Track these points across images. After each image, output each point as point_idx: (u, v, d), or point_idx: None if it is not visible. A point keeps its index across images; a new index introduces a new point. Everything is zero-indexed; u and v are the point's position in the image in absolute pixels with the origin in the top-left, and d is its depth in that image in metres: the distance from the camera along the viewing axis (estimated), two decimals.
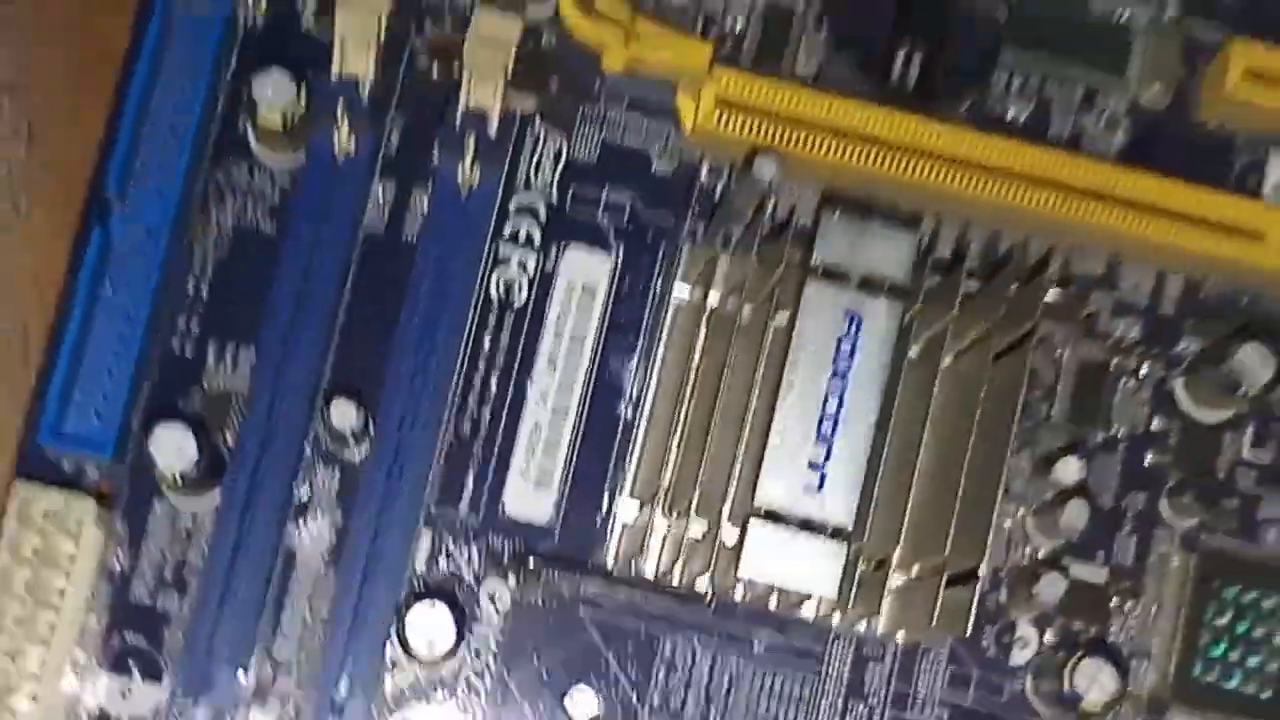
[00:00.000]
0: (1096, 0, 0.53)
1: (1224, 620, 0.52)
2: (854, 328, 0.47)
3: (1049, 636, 0.51)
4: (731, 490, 0.47)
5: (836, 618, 0.49)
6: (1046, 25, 0.54)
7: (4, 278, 0.55)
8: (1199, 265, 0.52)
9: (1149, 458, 0.52)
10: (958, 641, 0.51)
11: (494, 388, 0.52)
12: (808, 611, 0.50)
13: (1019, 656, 0.50)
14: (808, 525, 0.47)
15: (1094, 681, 0.49)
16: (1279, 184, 0.54)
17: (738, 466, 0.47)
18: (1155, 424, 0.52)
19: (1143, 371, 0.52)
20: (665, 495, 0.48)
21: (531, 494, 0.51)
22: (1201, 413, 0.52)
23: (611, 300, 0.52)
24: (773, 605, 0.50)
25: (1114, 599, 0.51)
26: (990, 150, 0.51)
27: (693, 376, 0.49)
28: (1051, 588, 0.50)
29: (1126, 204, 0.51)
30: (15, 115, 0.55)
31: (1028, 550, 0.52)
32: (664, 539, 0.49)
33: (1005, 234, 0.53)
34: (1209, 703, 0.51)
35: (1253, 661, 0.51)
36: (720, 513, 0.46)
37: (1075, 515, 0.50)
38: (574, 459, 0.51)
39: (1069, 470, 0.51)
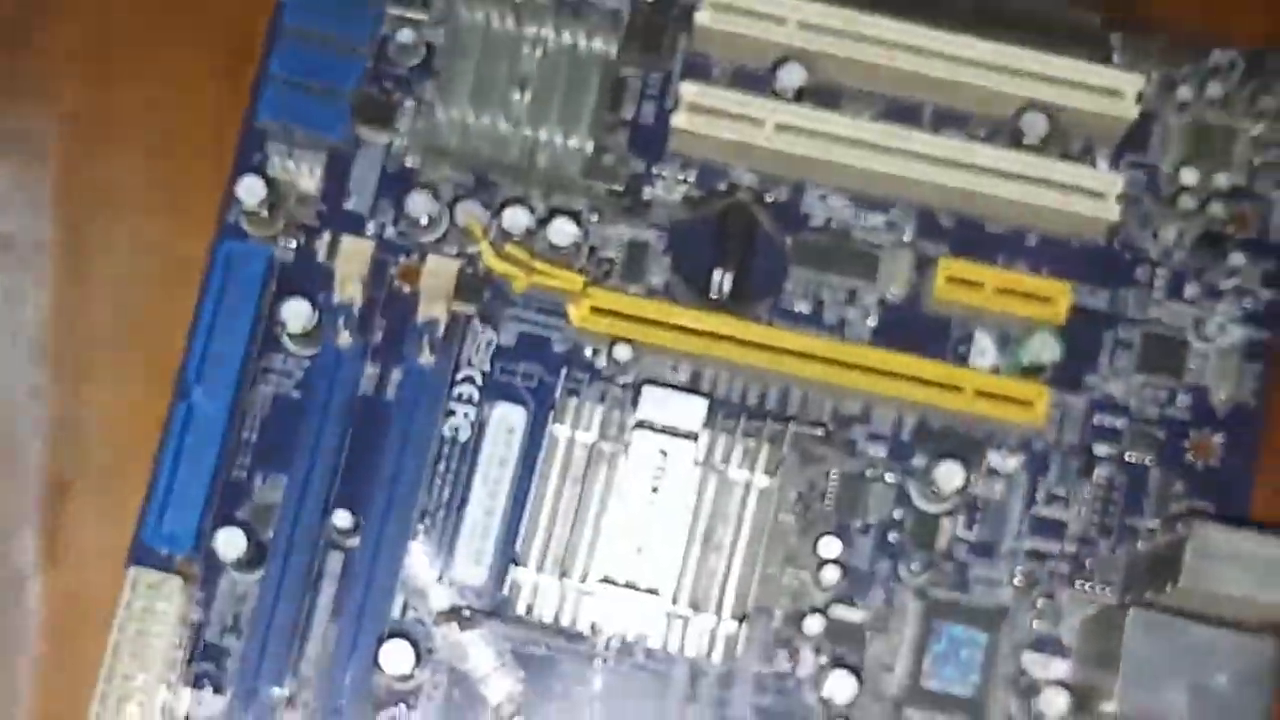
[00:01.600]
0: (856, 231, 0.68)
1: (941, 646, 0.66)
2: (665, 457, 0.64)
3: (821, 658, 0.65)
4: (581, 561, 0.64)
5: (656, 643, 0.63)
6: (819, 250, 0.68)
7: (104, 413, 0.69)
8: (924, 409, 0.67)
9: (891, 535, 0.66)
10: (761, 660, 0.65)
11: (446, 495, 0.66)
12: (636, 639, 0.64)
13: (801, 671, 0.65)
14: (631, 585, 0.64)
15: (840, 687, 0.63)
16: (981, 351, 0.67)
17: (584, 545, 0.63)
18: (896, 514, 0.66)
19: (888, 479, 0.67)
20: (545, 564, 0.64)
21: (471, 567, 0.65)
22: (927, 506, 0.66)
23: (525, 438, 0.66)
24: (616, 638, 0.64)
25: (867, 632, 0.66)
26: (780, 338, 0.66)
27: (560, 487, 0.64)
28: (817, 624, 0.65)
29: (876, 370, 0.66)
30: (120, 310, 0.71)
31: (808, 600, 0.66)
32: (547, 593, 0.64)
33: (793, 391, 0.67)
34: (931, 700, 0.65)
35: (957, 673, 0.65)
36: (577, 577, 0.63)
37: (830, 577, 0.65)
38: (497, 543, 0.65)
39: (831, 547, 0.65)
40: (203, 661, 0.65)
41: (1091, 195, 0.67)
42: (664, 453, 0.64)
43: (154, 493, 0.65)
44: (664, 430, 0.64)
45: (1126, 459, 0.68)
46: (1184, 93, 0.70)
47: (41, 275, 0.71)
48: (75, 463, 0.69)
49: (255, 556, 0.65)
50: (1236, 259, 0.68)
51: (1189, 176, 0.69)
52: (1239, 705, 0.62)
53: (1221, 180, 0.69)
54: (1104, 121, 0.68)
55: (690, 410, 0.64)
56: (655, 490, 0.64)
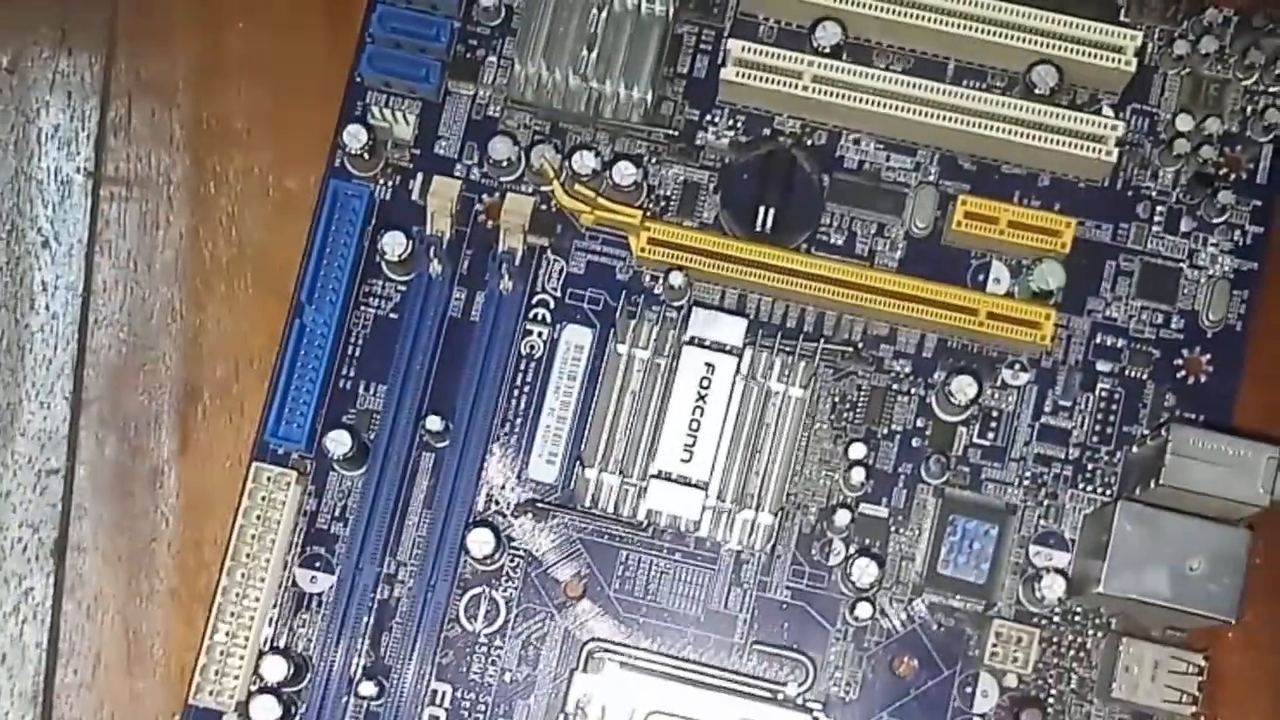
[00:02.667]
0: (885, 172, 0.76)
1: (956, 538, 0.74)
2: (711, 370, 0.72)
3: (851, 548, 0.74)
4: (638, 461, 0.72)
5: (704, 532, 0.72)
6: (853, 188, 0.76)
7: (227, 329, 0.78)
8: (944, 329, 0.74)
9: (913, 441, 0.75)
10: (797, 549, 0.74)
11: (523, 405, 0.74)
12: (688, 528, 0.72)
13: (832, 560, 0.73)
14: (682, 480, 0.72)
15: (864, 572, 0.72)
16: (996, 278, 0.75)
17: (641, 446, 0.72)
18: (918, 423, 0.75)
19: (911, 391, 0.75)
20: (607, 464, 0.72)
21: (544, 466, 0.74)
22: (945, 415, 0.75)
23: (591, 355, 0.75)
24: (669, 527, 0.73)
25: (891, 526, 0.74)
26: (817, 266, 0.74)
27: (620, 397, 0.72)
28: (845, 518, 0.73)
29: (901, 295, 0.74)
30: (240, 239, 0.79)
31: (838, 496, 0.74)
32: (609, 488, 0.72)
33: (827, 314, 0.75)
34: (946, 584, 0.73)
35: (969, 562, 0.74)
36: (635, 474, 0.72)
37: (858, 477, 0.73)
38: (566, 446, 0.74)
39: (859, 451, 0.73)
40: (315, 545, 0.75)
41: (1094, 140, 0.75)
42: (710, 365, 0.73)
43: (273, 399, 0.74)
44: (710, 346, 0.73)
45: (1125, 374, 0.76)
46: (1181, 47, 0.77)
47: (172, 207, 0.80)
48: (204, 372, 0.79)
49: (359, 455, 0.74)
50: (1226, 197, 0.76)
51: (1184, 123, 0.77)
52: (1212, 587, 0.70)
53: (1214, 126, 0.77)
54: (1107, 74, 0.76)
55: (733, 328, 0.73)
56: (702, 399, 0.73)
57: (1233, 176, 0.77)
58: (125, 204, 0.80)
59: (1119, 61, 0.75)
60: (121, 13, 0.81)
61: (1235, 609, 0.69)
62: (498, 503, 0.75)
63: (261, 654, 0.73)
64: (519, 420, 0.76)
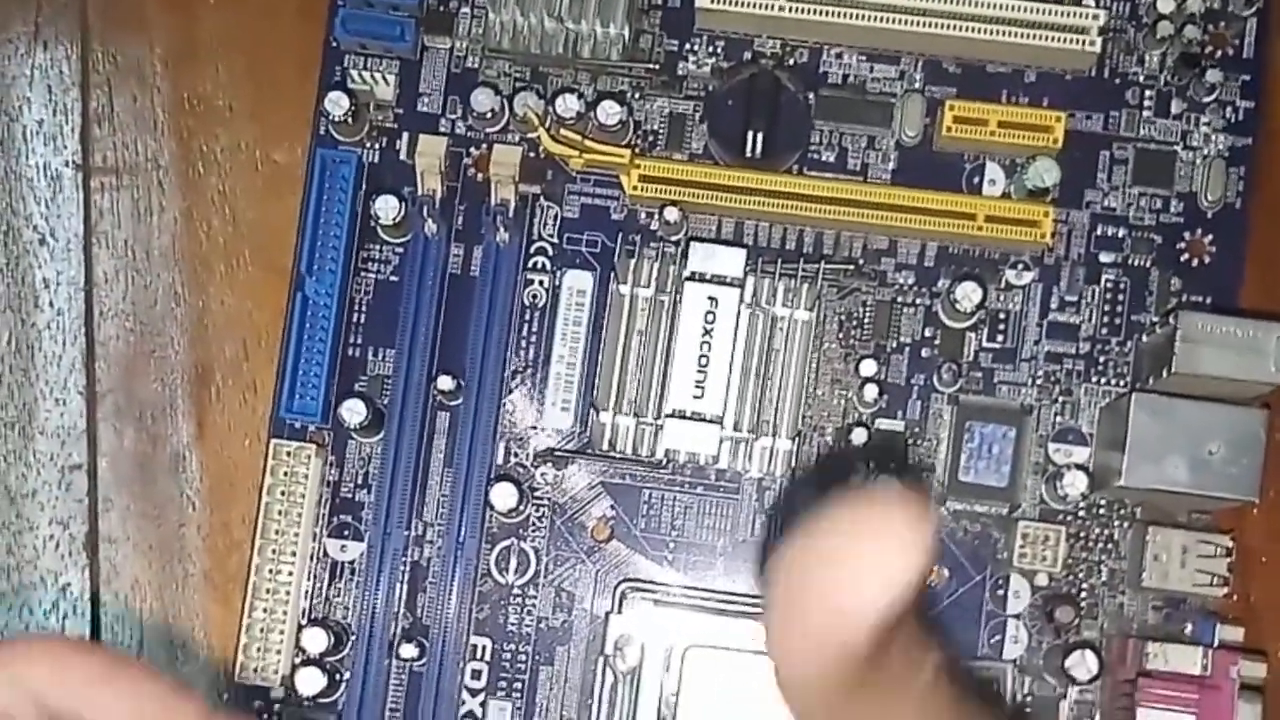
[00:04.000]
0: (870, 84, 0.76)
1: (974, 444, 0.74)
2: (714, 303, 0.72)
3: (871, 464, 0.74)
4: (651, 401, 0.73)
5: (724, 464, 0.73)
6: (839, 103, 0.76)
7: (231, 309, 0.78)
8: (944, 236, 0.74)
9: (923, 351, 0.75)
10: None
11: (532, 355, 0.75)
12: (707, 462, 0.73)
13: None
14: (697, 416, 0.73)
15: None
16: (991, 180, 0.75)
17: (653, 386, 0.73)
18: (926, 332, 0.74)
19: (916, 302, 0.75)
20: (621, 406, 0.73)
21: (558, 414, 0.75)
22: (952, 322, 0.75)
23: (594, 298, 0.75)
24: (689, 463, 0.74)
25: (908, 440, 0.75)
26: (811, 186, 0.74)
27: (627, 338, 0.73)
28: (863, 436, 0.74)
29: (898, 207, 0.74)
30: (234, 217, 0.80)
31: (853, 415, 0.75)
32: (626, 430, 0.73)
33: (825, 233, 0.75)
34: (969, 491, 0.74)
35: (990, 466, 0.74)
36: (650, 414, 0.73)
37: (871, 394, 0.74)
38: (579, 391, 0.74)
39: (870, 367, 0.74)
40: (341, 515, 0.75)
41: (1076, 31, 0.74)
42: (713, 299, 0.73)
43: (284, 374, 0.75)
44: (711, 280, 0.73)
45: (1129, 263, 0.76)
46: None
47: (164, 192, 0.81)
48: (213, 353, 0.79)
49: (375, 421, 0.75)
50: (1214, 75, 0.76)
51: (1165, 4, 0.76)
52: (1232, 470, 0.70)
53: (1196, 5, 0.76)
54: None
55: (732, 260, 0.73)
56: (709, 333, 0.73)
57: (1219, 54, 0.77)
58: (117, 193, 0.80)
59: None
60: (91, 3, 0.81)
61: (1257, 488, 0.70)
62: (517, 455, 0.76)
63: (301, 627, 0.74)
64: (530, 371, 0.76)
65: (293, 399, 0.75)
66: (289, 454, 0.75)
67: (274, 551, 0.74)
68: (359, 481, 0.76)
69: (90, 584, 0.78)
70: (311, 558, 0.75)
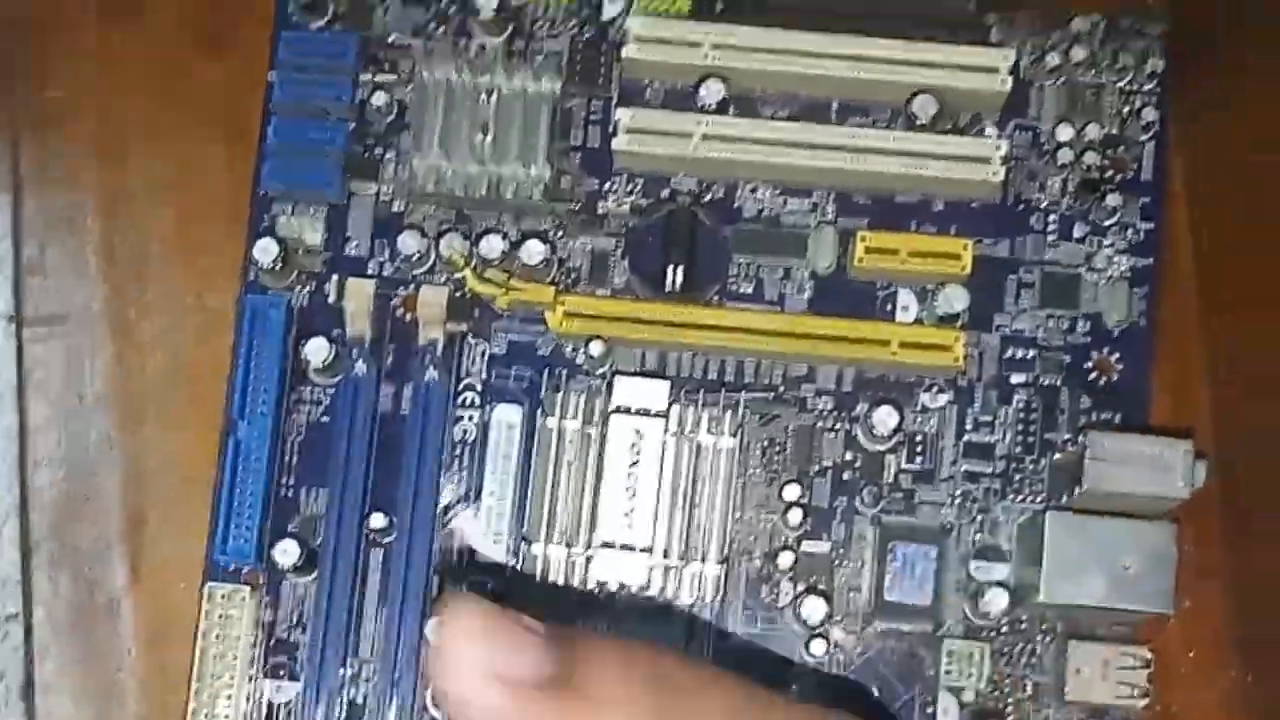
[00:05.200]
0: (785, 217, 0.78)
1: (898, 564, 0.75)
2: (640, 436, 0.74)
3: (799, 586, 0.75)
4: (582, 532, 0.74)
5: (655, 591, 0.73)
6: (755, 237, 0.78)
7: (165, 453, 0.79)
8: (860, 362, 0.76)
9: (845, 475, 0.76)
10: (747, 594, 0.76)
11: (463, 490, 0.76)
12: (638, 590, 0.73)
13: (782, 599, 0.75)
14: (627, 546, 0.74)
15: (813, 610, 0.74)
16: (904, 306, 0.77)
17: (584, 517, 0.74)
18: (847, 455, 0.76)
19: (836, 426, 0.77)
20: (552, 537, 0.74)
21: (491, 547, 0.76)
22: (872, 445, 0.76)
23: (524, 432, 0.77)
24: (621, 592, 0.74)
25: (834, 560, 0.76)
26: (730, 317, 0.76)
27: (556, 470, 0.74)
28: (789, 559, 0.75)
29: (814, 335, 0.75)
30: (167, 362, 0.82)
31: (780, 538, 0.76)
32: (559, 562, 0.74)
33: (746, 362, 0.77)
34: (895, 611, 0.75)
35: (914, 585, 0.75)
36: (581, 545, 0.74)
37: (796, 517, 0.75)
38: (510, 524, 0.76)
39: (794, 492, 0.76)
40: (277, 655, 0.76)
41: (980, 161, 0.77)
42: (639, 432, 0.75)
43: (217, 517, 0.76)
44: (636, 412, 0.75)
45: (1039, 383, 0.78)
46: (1053, 59, 0.80)
47: (97, 339, 0.82)
48: (147, 497, 0.80)
49: (309, 561, 0.76)
50: (1115, 199, 0.78)
51: (1065, 132, 0.79)
52: (1147, 584, 0.72)
53: (1094, 131, 0.79)
54: (985, 95, 0.78)
55: (656, 393, 0.75)
56: (635, 464, 0.74)
57: (1119, 177, 0.79)
58: (49, 342, 0.81)
59: (995, 81, 0.77)
60: (23, 154, 0.82)
61: (1172, 601, 0.72)
62: (451, 589, 0.77)
63: None
64: (461, 506, 0.77)
65: (226, 541, 0.76)
66: (224, 596, 0.76)
67: (210, 695, 0.75)
68: (294, 621, 0.77)
69: None
70: (248, 699, 0.76)
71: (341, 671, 0.76)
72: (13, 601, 0.79)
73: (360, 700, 0.76)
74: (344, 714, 0.76)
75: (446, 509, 0.77)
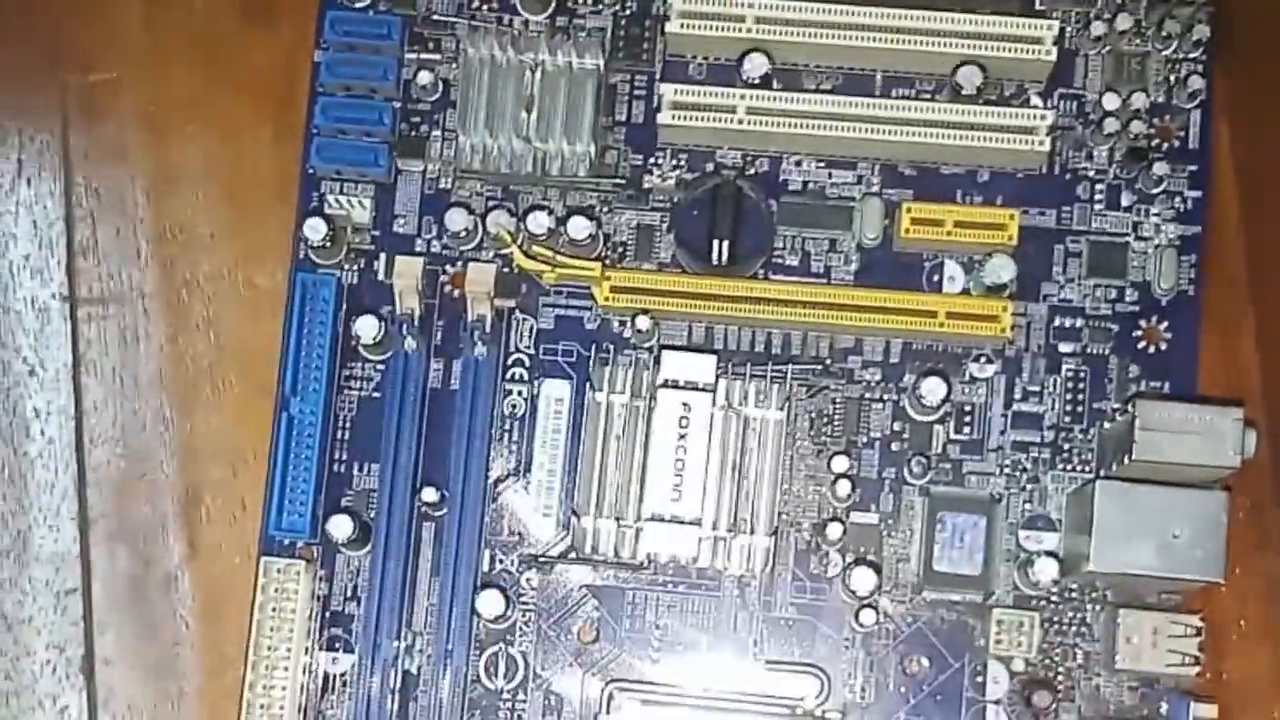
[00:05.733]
0: (830, 189, 0.78)
1: (947, 534, 0.76)
2: (688, 409, 0.74)
3: (847, 557, 0.76)
4: (631, 505, 0.74)
5: (704, 563, 0.73)
6: (800, 209, 0.78)
7: (218, 430, 0.80)
8: (907, 334, 0.76)
9: (893, 446, 0.77)
10: (796, 566, 0.76)
11: (513, 464, 0.77)
12: (687, 562, 0.74)
13: (830, 571, 0.76)
14: (676, 519, 0.74)
15: (863, 581, 0.74)
16: (951, 277, 0.77)
17: (632, 490, 0.74)
18: (895, 426, 0.76)
19: (884, 398, 0.77)
20: (601, 511, 0.74)
21: (541, 520, 0.76)
22: (920, 416, 0.77)
23: (571, 406, 0.77)
24: (670, 564, 0.75)
25: (883, 531, 0.76)
26: (776, 290, 0.76)
27: (604, 444, 0.74)
28: (837, 530, 0.75)
29: (861, 308, 0.75)
30: (219, 340, 0.82)
31: (828, 510, 0.76)
32: (607, 534, 0.74)
33: (793, 335, 0.77)
34: (943, 581, 0.75)
35: (963, 555, 0.76)
36: (630, 518, 0.74)
37: (844, 489, 0.76)
38: (560, 498, 0.76)
39: (842, 463, 0.76)
40: (332, 628, 0.77)
41: (1025, 132, 0.77)
42: (686, 405, 0.75)
43: (272, 493, 0.76)
44: (684, 386, 0.75)
45: (1088, 353, 0.78)
46: (1098, 28, 0.79)
47: (149, 319, 0.83)
48: (202, 474, 0.81)
49: (362, 535, 0.76)
50: (1161, 168, 0.78)
51: (1111, 101, 0.79)
52: (1197, 552, 0.72)
53: (1140, 100, 0.79)
54: (1030, 65, 0.78)
55: (703, 366, 0.75)
56: (683, 437, 0.75)
57: (1165, 146, 0.79)
58: (103, 322, 0.82)
59: (1039, 52, 0.77)
60: (72, 137, 0.83)
61: (1222, 570, 0.72)
62: (502, 562, 0.78)
63: None
64: (512, 479, 0.78)
65: (281, 516, 0.76)
66: (279, 571, 0.76)
67: (267, 667, 0.76)
68: (348, 594, 0.77)
69: (88, 706, 0.79)
70: (304, 671, 0.76)
71: (395, 643, 0.76)
72: (72, 576, 0.80)
73: (415, 671, 0.77)
74: (398, 685, 0.76)
75: (497, 483, 0.78)
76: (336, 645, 0.77)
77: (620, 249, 0.79)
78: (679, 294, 0.77)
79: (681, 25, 0.78)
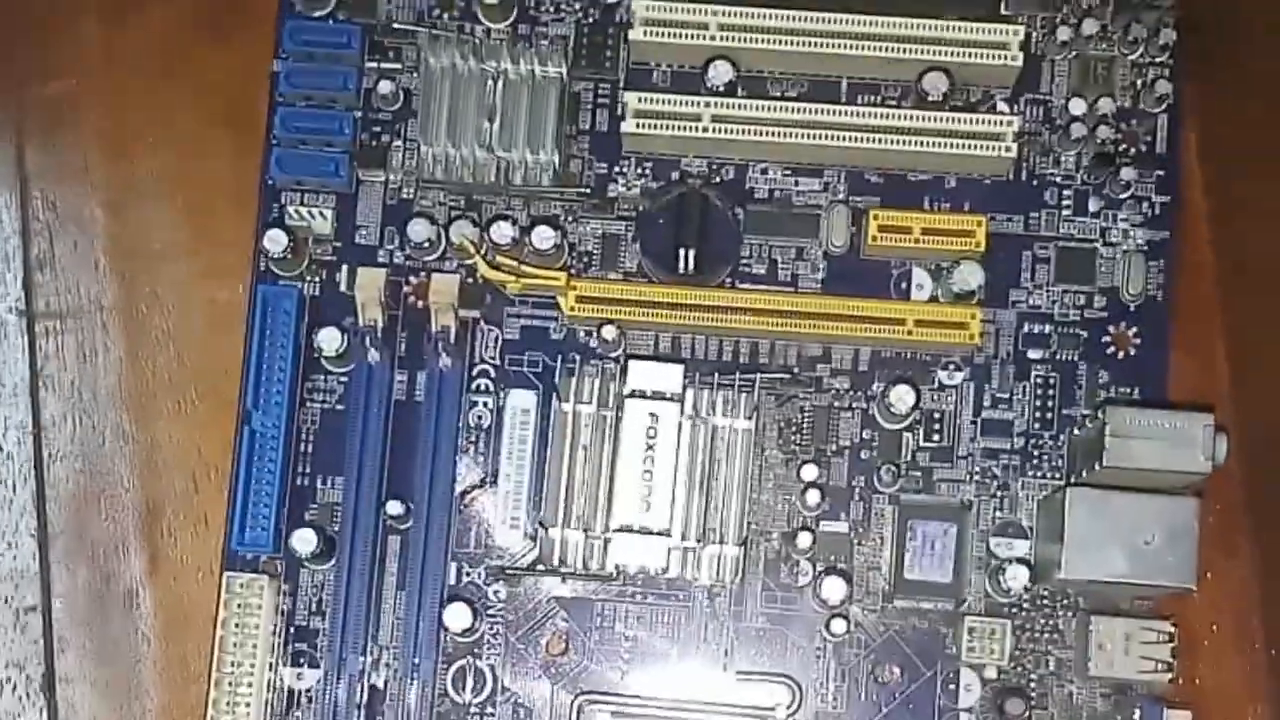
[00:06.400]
0: (796, 197, 0.77)
1: (917, 542, 0.75)
2: (655, 419, 0.74)
3: (818, 566, 0.75)
4: (599, 516, 0.73)
5: (674, 574, 0.73)
6: (767, 217, 0.77)
7: (179, 445, 0.79)
8: (876, 342, 0.76)
9: (862, 454, 0.76)
10: (766, 575, 0.75)
11: (480, 475, 0.76)
12: (657, 573, 0.73)
13: (801, 580, 0.75)
14: (645, 530, 0.73)
15: (833, 590, 0.73)
16: (919, 285, 0.77)
17: (600, 501, 0.73)
18: (864, 434, 0.76)
19: (853, 406, 0.76)
20: (569, 522, 0.73)
21: (508, 532, 0.76)
22: (889, 424, 0.76)
23: (538, 417, 0.76)
24: (639, 575, 0.75)
25: (853, 540, 0.76)
26: (743, 298, 0.75)
27: (572, 454, 0.73)
28: (807, 539, 0.75)
29: (829, 315, 0.75)
30: (179, 354, 0.81)
31: (798, 519, 0.76)
32: (575, 545, 0.73)
33: (760, 343, 0.76)
34: (915, 589, 0.75)
35: (934, 563, 0.75)
36: (598, 529, 0.74)
37: (814, 498, 0.75)
38: (527, 509, 0.75)
39: (812, 472, 0.75)
40: (297, 643, 0.76)
41: (992, 138, 0.77)
42: (654, 415, 0.74)
43: (234, 507, 0.75)
44: (651, 396, 0.75)
45: (1057, 359, 0.78)
46: (1064, 33, 0.79)
47: (108, 333, 0.82)
48: (163, 489, 0.80)
49: (326, 549, 0.75)
50: (1129, 173, 0.78)
51: (1078, 107, 0.78)
52: (1169, 558, 0.72)
53: (1107, 105, 0.79)
54: (996, 70, 0.77)
55: (670, 376, 0.75)
56: (651, 447, 0.74)
57: (1132, 151, 0.79)
58: (62, 337, 0.81)
59: (1005, 57, 0.77)
60: (28, 151, 0.82)
61: (1194, 575, 0.71)
62: (469, 574, 0.77)
63: None
64: (478, 492, 0.77)
65: (244, 531, 0.75)
66: (242, 586, 0.75)
67: (231, 683, 0.75)
68: (313, 609, 0.77)
69: None
70: (269, 687, 0.75)
71: (361, 658, 0.76)
72: (31, 594, 0.79)
73: (381, 685, 0.76)
74: (365, 700, 0.75)
75: (463, 495, 0.77)
76: (301, 660, 0.76)
77: (585, 258, 0.79)
78: (645, 303, 0.76)
79: (645, 33, 0.78)
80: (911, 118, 0.77)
